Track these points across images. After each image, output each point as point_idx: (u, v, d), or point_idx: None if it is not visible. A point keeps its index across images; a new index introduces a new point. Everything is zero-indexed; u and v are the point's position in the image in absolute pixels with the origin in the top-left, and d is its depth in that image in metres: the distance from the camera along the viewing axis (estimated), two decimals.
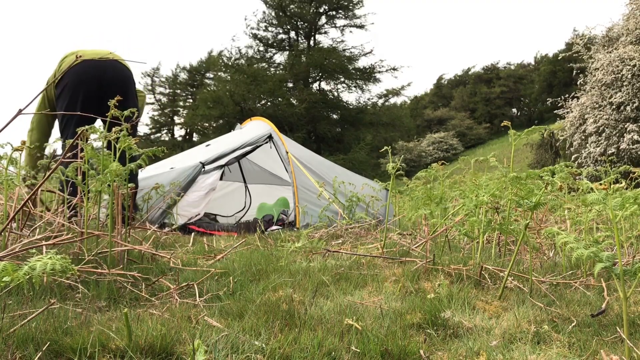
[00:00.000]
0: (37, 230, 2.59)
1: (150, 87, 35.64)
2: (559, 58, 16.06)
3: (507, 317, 1.71)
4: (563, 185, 1.92)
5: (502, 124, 2.33)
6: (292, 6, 24.56)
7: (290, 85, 24.89)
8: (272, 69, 25.27)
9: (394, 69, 24.65)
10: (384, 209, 5.40)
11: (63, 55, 3.83)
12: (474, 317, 1.73)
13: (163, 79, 35.89)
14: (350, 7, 24.78)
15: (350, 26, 25.29)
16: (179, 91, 36.10)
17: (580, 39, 14.25)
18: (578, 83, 14.06)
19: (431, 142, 34.27)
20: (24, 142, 2.42)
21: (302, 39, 26.04)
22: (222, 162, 5.46)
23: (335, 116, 25.19)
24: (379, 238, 3.60)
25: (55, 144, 3.25)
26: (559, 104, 14.45)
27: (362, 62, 38.23)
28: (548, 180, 2.08)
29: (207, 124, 26.47)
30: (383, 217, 5.20)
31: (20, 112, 1.62)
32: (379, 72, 24.68)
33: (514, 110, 48.21)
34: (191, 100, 34.25)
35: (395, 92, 25.77)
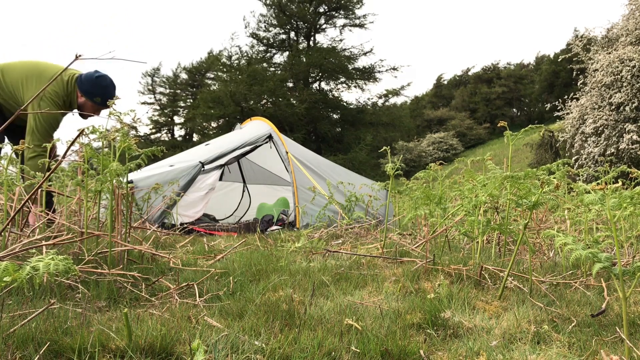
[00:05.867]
0: (37, 230, 2.59)
1: (150, 87, 35.65)
2: (559, 60, 16.04)
3: (507, 317, 1.71)
4: (560, 183, 1.92)
5: (498, 125, 2.32)
6: (291, 6, 24.55)
7: (290, 85, 24.88)
8: (272, 69, 25.27)
9: (394, 69, 24.65)
10: (384, 208, 5.41)
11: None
12: (474, 317, 1.73)
13: (164, 79, 35.89)
14: (350, 7, 24.76)
15: (350, 26, 25.29)
16: (179, 91, 36.07)
17: (580, 41, 14.25)
18: (578, 84, 14.06)
19: (431, 142, 34.26)
20: (23, 142, 2.43)
21: (302, 39, 26.04)
22: (222, 161, 5.47)
23: (335, 116, 25.18)
24: (379, 238, 3.60)
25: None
26: (559, 107, 14.46)
27: (362, 62, 38.28)
28: (544, 179, 2.08)
29: (207, 124, 26.47)
30: (383, 217, 5.20)
31: (19, 111, 1.62)
32: (379, 71, 24.68)
33: (514, 110, 48.23)
34: (191, 100, 34.23)
35: (395, 92, 25.75)
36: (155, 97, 35.81)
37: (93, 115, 3.74)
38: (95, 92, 3.58)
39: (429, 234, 3.24)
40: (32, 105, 3.41)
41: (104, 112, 3.82)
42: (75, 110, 3.75)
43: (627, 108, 11.76)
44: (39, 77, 3.47)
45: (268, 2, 24.65)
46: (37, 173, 2.87)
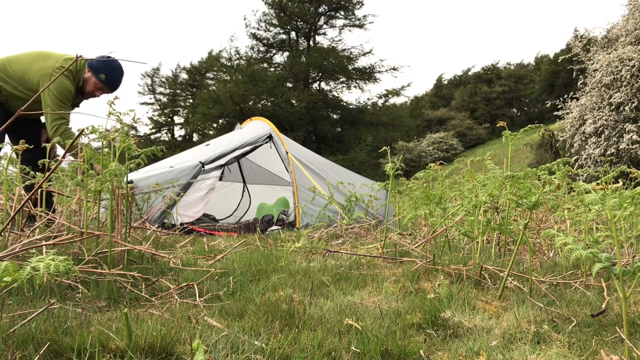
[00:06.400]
0: (37, 230, 2.59)
1: (150, 87, 35.65)
2: (559, 60, 16.05)
3: (507, 317, 1.71)
4: (561, 183, 1.92)
5: (497, 125, 2.32)
6: (292, 6, 24.55)
7: (290, 85, 24.89)
8: (272, 69, 25.29)
9: (394, 69, 24.66)
10: (384, 208, 5.41)
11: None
12: (474, 317, 1.73)
13: (163, 79, 35.89)
14: (350, 7, 24.78)
15: (350, 26, 25.30)
16: (179, 91, 36.08)
17: (579, 41, 14.26)
18: (578, 84, 14.07)
19: (431, 142, 34.27)
20: (23, 143, 2.43)
21: (302, 39, 26.05)
22: (222, 161, 5.47)
23: (335, 116, 25.19)
24: (379, 238, 3.60)
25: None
26: (559, 106, 14.47)
27: (362, 62, 38.24)
28: (545, 178, 2.08)
29: (207, 124, 26.47)
30: (383, 217, 5.20)
31: (20, 111, 1.62)
32: (379, 72, 24.69)
33: (514, 110, 48.24)
34: (191, 100, 34.23)
35: (395, 92, 25.75)
36: (155, 97, 35.82)
37: (94, 95, 3.73)
38: (102, 68, 3.59)
39: (429, 234, 3.24)
40: (43, 88, 3.43)
41: (103, 112, 3.82)
42: (77, 111, 3.75)
43: (627, 108, 11.76)
44: (45, 58, 3.52)
45: (269, 1, 24.66)
46: (38, 173, 2.87)
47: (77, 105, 3.84)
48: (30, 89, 3.49)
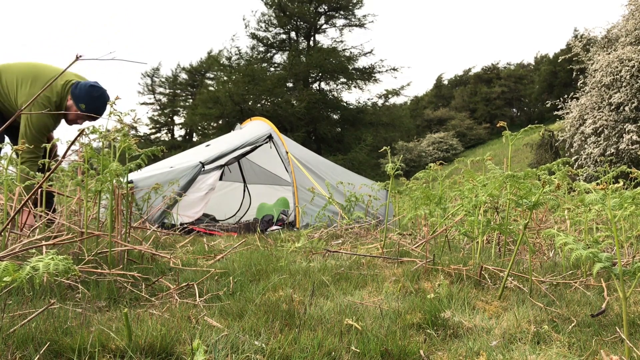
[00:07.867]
0: (37, 230, 2.59)
1: (150, 87, 35.65)
2: (559, 60, 16.05)
3: (507, 317, 1.71)
4: (561, 183, 1.92)
5: (497, 125, 2.33)
6: (292, 6, 24.55)
7: (290, 85, 24.88)
8: (272, 69, 25.31)
9: (394, 69, 24.67)
10: (384, 208, 5.41)
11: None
12: (474, 317, 1.73)
13: (163, 79, 35.88)
14: (350, 7, 24.78)
15: (350, 26, 25.31)
16: (179, 91, 36.08)
17: (579, 41, 14.26)
18: (578, 84, 14.07)
19: (431, 142, 34.24)
20: (23, 142, 2.43)
21: (302, 39, 26.05)
22: (222, 161, 5.47)
23: (335, 116, 25.19)
24: (379, 238, 3.60)
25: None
26: (559, 106, 14.47)
27: (362, 62, 38.32)
28: (545, 178, 2.08)
29: (207, 124, 26.47)
30: (383, 217, 5.20)
31: (20, 111, 1.62)
32: (379, 72, 24.70)
33: (514, 110, 48.21)
34: (191, 100, 34.23)
35: (395, 92, 25.75)
36: (155, 97, 35.82)
37: (77, 123, 3.63)
38: (82, 97, 3.45)
39: (429, 234, 3.24)
40: (25, 111, 3.38)
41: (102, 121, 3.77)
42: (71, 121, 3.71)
43: (626, 108, 11.76)
44: (34, 80, 3.42)
45: (269, 1, 24.66)
46: (36, 173, 2.87)
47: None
48: (13, 107, 3.42)
